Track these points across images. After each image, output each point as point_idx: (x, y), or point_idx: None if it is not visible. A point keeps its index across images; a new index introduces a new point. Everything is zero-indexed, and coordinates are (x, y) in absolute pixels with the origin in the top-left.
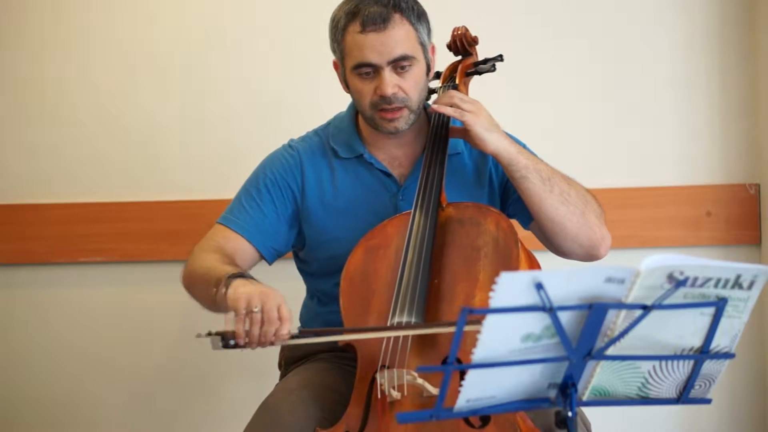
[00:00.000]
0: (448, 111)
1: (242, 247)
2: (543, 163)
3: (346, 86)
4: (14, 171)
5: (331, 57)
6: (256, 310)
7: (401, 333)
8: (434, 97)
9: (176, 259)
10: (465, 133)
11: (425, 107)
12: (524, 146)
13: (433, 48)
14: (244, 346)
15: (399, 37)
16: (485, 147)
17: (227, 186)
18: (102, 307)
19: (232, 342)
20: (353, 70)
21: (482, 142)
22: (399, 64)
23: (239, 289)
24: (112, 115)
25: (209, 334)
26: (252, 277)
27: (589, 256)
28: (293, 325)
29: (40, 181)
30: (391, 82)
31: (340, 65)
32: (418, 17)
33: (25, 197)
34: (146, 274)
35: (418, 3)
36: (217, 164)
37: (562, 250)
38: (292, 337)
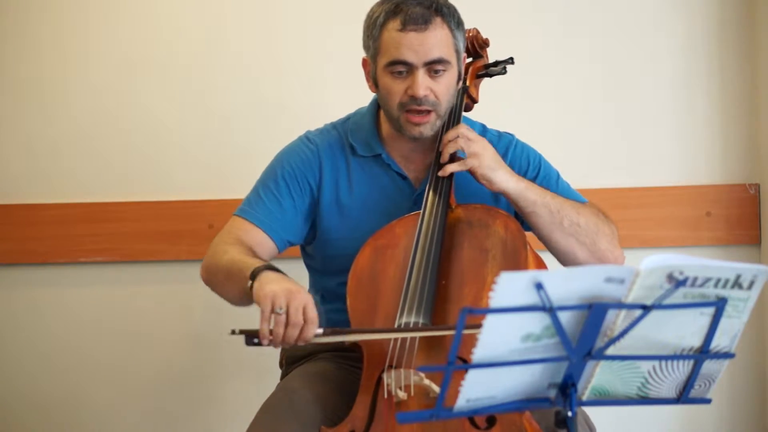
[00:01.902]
0: (452, 167)
1: (261, 240)
2: (550, 194)
3: (375, 85)
4: (14, 171)
5: (331, 57)
6: (280, 311)
7: (408, 335)
8: None
9: (176, 259)
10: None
11: None
12: (545, 164)
13: (465, 57)
14: (268, 345)
15: (437, 39)
16: (491, 187)
17: (227, 186)
18: (102, 307)
19: (255, 340)
20: (386, 67)
21: (489, 183)
22: (434, 67)
23: (266, 287)
24: (112, 115)
25: (243, 331)
26: (280, 271)
27: None
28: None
29: (39, 181)
30: (423, 83)
31: (371, 63)
32: (457, 24)
33: (24, 197)
34: (146, 274)
35: (457, 11)
36: (217, 164)
37: None
38: (318, 336)
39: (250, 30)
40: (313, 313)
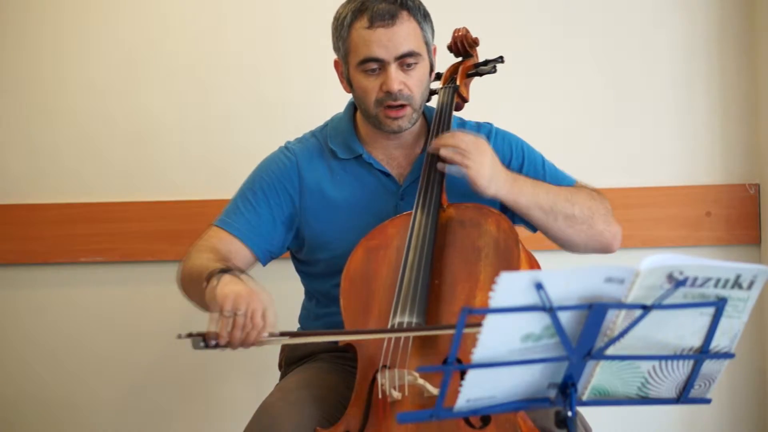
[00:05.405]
0: (453, 168)
1: (237, 249)
2: (543, 191)
3: (349, 85)
4: (14, 171)
5: (331, 56)
6: (239, 312)
7: (396, 335)
8: (435, 98)
9: (176, 259)
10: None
11: (424, 111)
12: (528, 149)
13: (434, 49)
14: (225, 347)
15: (406, 33)
16: (484, 195)
17: (227, 186)
18: (102, 307)
19: (213, 342)
20: (358, 65)
21: (482, 192)
22: (405, 60)
23: (226, 288)
24: (112, 115)
25: (190, 334)
26: (243, 273)
27: (603, 253)
28: (278, 327)
29: (40, 181)
30: (397, 78)
31: (342, 64)
32: (424, 16)
33: (25, 197)
34: (146, 274)
35: (422, 4)
36: (217, 164)
37: (575, 253)
38: (266, 338)
39: (250, 30)
40: (271, 316)
